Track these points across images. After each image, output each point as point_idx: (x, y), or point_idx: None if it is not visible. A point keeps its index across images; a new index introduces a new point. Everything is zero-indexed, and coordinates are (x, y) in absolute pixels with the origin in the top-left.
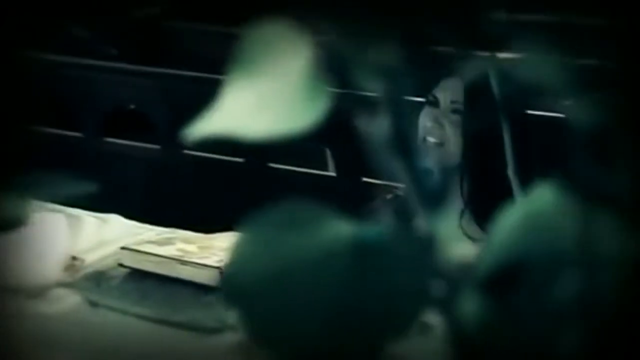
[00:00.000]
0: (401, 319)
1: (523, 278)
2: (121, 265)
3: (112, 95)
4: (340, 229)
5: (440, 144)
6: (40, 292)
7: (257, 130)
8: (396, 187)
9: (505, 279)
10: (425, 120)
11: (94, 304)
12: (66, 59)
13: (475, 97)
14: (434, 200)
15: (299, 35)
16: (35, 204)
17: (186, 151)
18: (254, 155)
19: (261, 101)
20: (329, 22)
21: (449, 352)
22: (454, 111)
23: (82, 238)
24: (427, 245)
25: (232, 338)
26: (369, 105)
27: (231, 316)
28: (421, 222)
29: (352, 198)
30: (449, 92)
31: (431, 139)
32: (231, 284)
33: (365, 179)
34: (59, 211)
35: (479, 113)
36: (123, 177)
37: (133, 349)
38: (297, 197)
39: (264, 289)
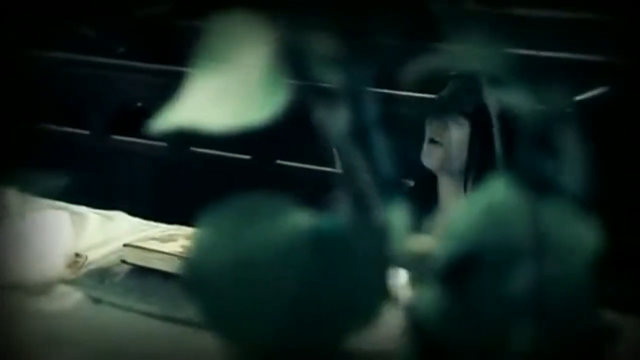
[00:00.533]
0: (360, 309)
1: (478, 269)
2: (124, 262)
3: (119, 93)
4: (299, 220)
5: (441, 145)
6: (43, 289)
7: (218, 122)
8: (354, 178)
9: (461, 270)
10: (430, 120)
11: (97, 301)
12: (74, 57)
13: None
14: (392, 191)
15: (259, 28)
16: (38, 200)
17: (193, 148)
18: (261, 152)
19: (222, 93)
20: (287, 14)
21: (408, 342)
22: (461, 113)
23: (85, 235)
24: (384, 237)
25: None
26: (328, 96)
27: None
28: (378, 213)
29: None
30: (455, 94)
31: (435, 139)
32: (192, 276)
33: (323, 169)
34: (63, 208)
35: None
36: (129, 175)
37: (137, 346)
38: (256, 190)
39: (224, 280)
